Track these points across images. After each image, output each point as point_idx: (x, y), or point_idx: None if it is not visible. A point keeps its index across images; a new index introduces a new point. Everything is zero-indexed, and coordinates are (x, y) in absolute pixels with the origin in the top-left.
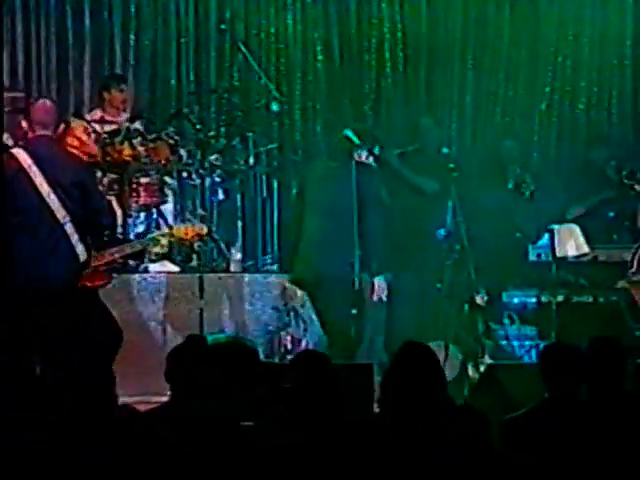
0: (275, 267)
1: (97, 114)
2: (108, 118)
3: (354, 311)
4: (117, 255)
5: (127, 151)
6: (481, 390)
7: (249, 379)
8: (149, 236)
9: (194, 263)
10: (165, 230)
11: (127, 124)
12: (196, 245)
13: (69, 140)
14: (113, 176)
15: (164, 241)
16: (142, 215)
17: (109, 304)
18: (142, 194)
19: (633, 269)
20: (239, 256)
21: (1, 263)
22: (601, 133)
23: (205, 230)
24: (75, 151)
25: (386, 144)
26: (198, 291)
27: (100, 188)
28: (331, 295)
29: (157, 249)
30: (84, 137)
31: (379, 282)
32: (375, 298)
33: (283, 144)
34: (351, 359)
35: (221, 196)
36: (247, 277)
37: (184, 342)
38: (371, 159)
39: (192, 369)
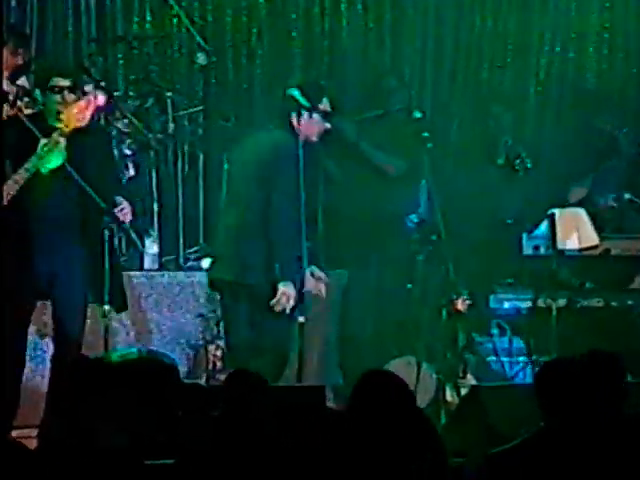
0: (204, 263)
1: None
2: None
3: (301, 319)
4: None
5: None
6: (461, 418)
7: (166, 405)
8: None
9: None
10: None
11: (6, 82)
12: None
13: None
14: None
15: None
16: None
17: None
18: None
19: None
20: (155, 249)
21: None
22: (611, 94)
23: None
24: None
25: (340, 109)
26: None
27: None
28: (258, 301)
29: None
30: None
31: (284, 288)
32: (278, 308)
33: (210, 107)
34: (284, 381)
35: (131, 172)
36: (166, 276)
37: (73, 362)
38: (321, 126)
39: (88, 396)
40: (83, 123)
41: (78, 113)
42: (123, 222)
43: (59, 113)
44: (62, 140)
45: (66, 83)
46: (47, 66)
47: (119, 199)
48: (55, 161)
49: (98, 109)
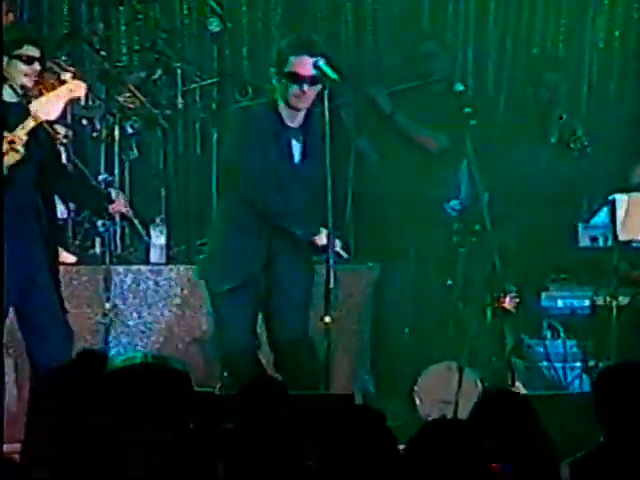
0: None
1: None
2: None
3: (327, 318)
4: None
5: None
6: None
7: (176, 416)
8: None
9: (97, 250)
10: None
11: None
12: (99, 224)
13: None
14: None
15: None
16: None
17: None
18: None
19: None
20: (162, 240)
21: None
22: None
23: (83, 87)
24: None
25: (373, 80)
26: (103, 291)
27: None
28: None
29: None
30: None
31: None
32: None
33: (224, 78)
34: (312, 388)
35: (136, 153)
36: (174, 270)
37: (76, 359)
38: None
39: (89, 401)
40: (53, 116)
41: (48, 104)
42: (122, 216)
43: (23, 87)
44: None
45: (36, 53)
46: (18, 32)
47: (114, 192)
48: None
49: (72, 101)
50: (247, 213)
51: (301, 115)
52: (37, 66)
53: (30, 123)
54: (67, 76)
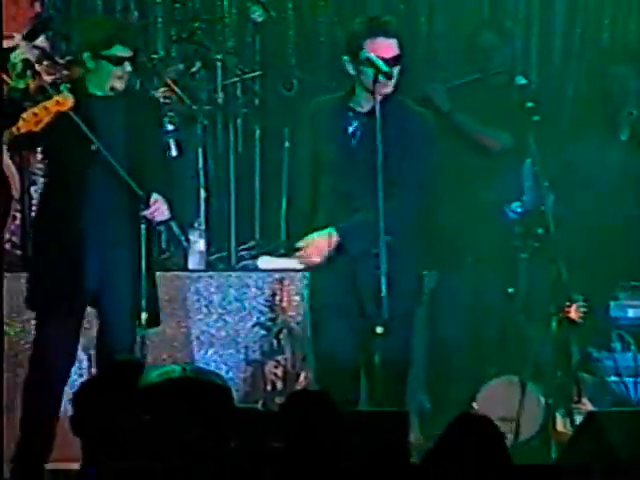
0: (262, 262)
1: None
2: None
3: (379, 329)
4: None
5: (25, 83)
6: (576, 451)
7: (217, 433)
8: None
9: None
10: None
11: (23, 43)
12: None
13: None
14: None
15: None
16: None
17: None
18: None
19: None
20: (202, 245)
21: None
22: None
23: (70, 101)
24: None
25: (428, 74)
26: None
27: None
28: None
29: None
30: None
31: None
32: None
33: (268, 72)
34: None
35: (174, 152)
36: (215, 278)
37: (114, 368)
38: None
39: (127, 415)
40: (37, 128)
41: (37, 116)
42: (158, 223)
43: (113, 88)
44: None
45: (128, 54)
46: (107, 29)
47: (152, 196)
48: None
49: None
50: None
51: (379, 99)
52: (128, 67)
53: (11, 134)
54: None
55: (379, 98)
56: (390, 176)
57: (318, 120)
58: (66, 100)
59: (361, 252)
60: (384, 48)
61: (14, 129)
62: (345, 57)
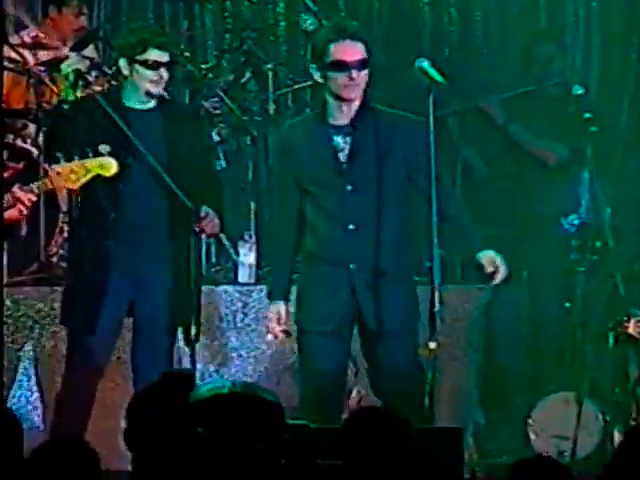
0: None
1: (31, 33)
2: (46, 42)
3: (432, 344)
4: None
5: (75, 94)
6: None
7: (269, 451)
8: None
9: None
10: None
11: (73, 54)
12: None
13: None
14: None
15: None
16: None
17: None
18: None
19: None
20: (252, 259)
21: None
22: None
23: (114, 167)
24: None
25: (482, 85)
26: None
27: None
28: None
29: None
30: None
31: (277, 308)
32: (269, 337)
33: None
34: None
35: (222, 163)
36: (265, 292)
37: (167, 381)
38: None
39: (174, 431)
40: (67, 188)
41: (71, 174)
42: (209, 236)
43: (149, 93)
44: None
45: (165, 58)
46: (142, 33)
47: (202, 209)
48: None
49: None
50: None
51: (353, 109)
52: (164, 72)
53: (44, 187)
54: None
55: (354, 107)
56: (393, 186)
57: (296, 141)
58: (110, 165)
59: (359, 269)
60: (349, 51)
61: (48, 183)
62: (311, 65)
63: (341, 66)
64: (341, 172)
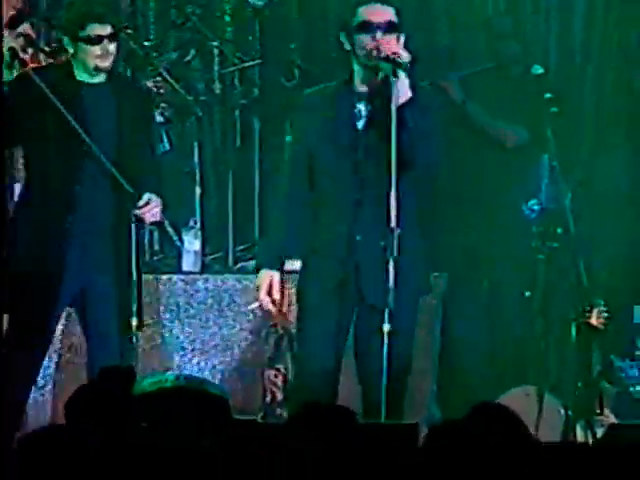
0: None
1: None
2: None
3: (386, 327)
4: None
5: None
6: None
7: (213, 447)
8: None
9: None
10: None
11: (7, 31)
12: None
13: None
14: None
15: None
16: None
17: None
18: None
19: None
20: (197, 246)
21: None
22: None
23: None
24: None
25: (440, 63)
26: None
27: None
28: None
29: None
30: None
31: (269, 274)
32: (254, 306)
33: (269, 60)
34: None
35: (166, 146)
36: (210, 281)
37: (105, 376)
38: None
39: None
40: None
41: None
42: (151, 223)
43: (97, 68)
44: None
45: (107, 31)
46: (80, 7)
47: (144, 195)
48: None
49: None
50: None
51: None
52: (108, 45)
53: None
54: None
55: (381, 75)
56: (403, 159)
57: (315, 107)
58: None
59: (366, 244)
60: (376, 12)
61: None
62: (341, 33)
63: (366, 27)
64: (356, 138)
